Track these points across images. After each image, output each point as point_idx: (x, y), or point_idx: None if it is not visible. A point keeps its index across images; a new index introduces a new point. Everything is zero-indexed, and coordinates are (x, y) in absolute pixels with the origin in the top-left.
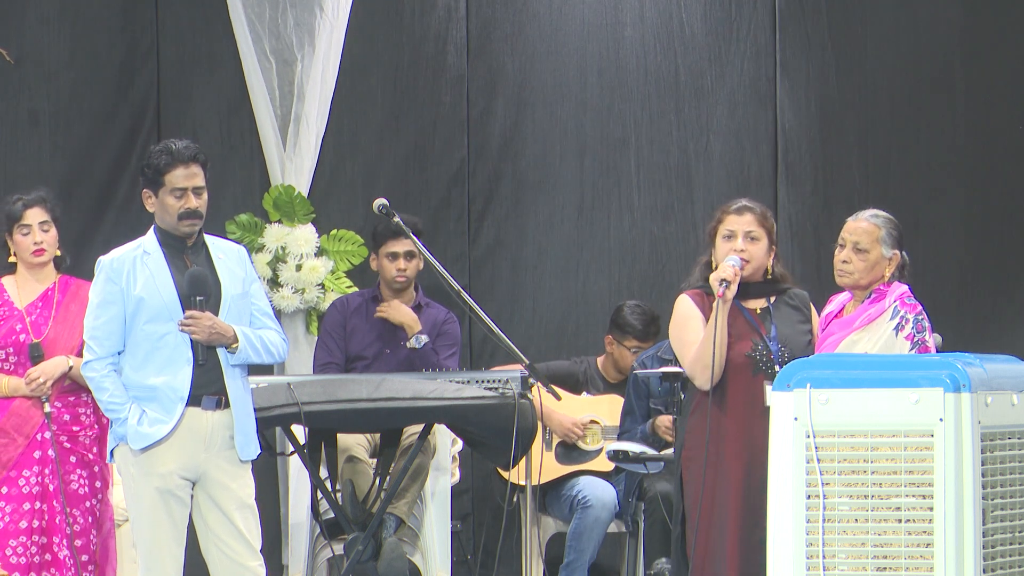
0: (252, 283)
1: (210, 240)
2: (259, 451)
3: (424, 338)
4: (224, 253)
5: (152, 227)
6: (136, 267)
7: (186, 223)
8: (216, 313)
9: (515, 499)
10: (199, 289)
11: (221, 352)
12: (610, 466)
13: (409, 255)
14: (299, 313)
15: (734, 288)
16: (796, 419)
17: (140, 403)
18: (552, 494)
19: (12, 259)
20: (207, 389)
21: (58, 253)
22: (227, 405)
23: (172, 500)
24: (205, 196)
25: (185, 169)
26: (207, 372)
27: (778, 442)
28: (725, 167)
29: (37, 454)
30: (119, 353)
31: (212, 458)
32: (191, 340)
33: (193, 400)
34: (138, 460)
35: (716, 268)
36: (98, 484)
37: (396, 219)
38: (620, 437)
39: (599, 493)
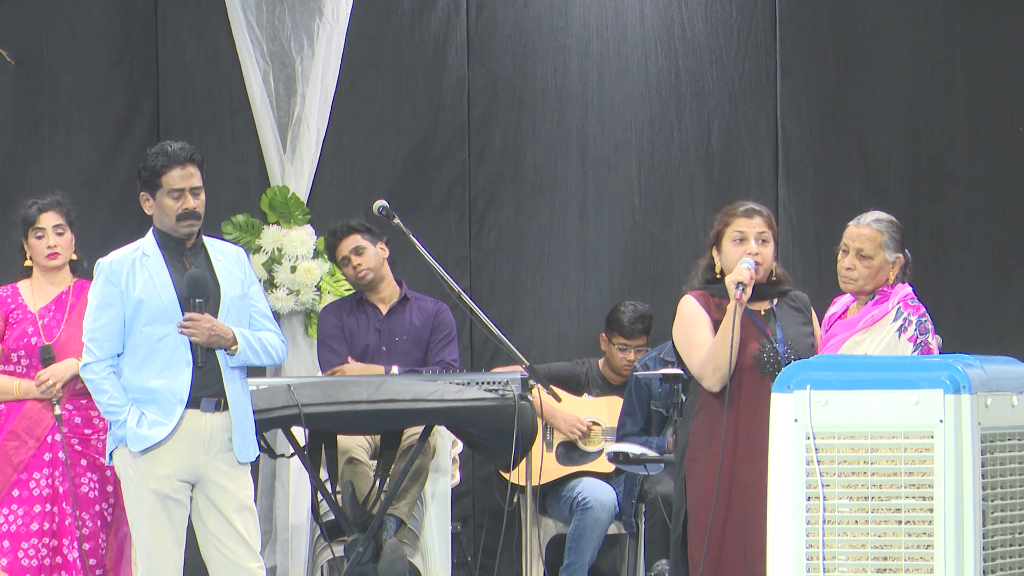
0: (251, 285)
1: (209, 242)
2: (258, 453)
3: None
4: (223, 255)
5: (151, 229)
6: (135, 269)
7: (185, 224)
8: (215, 315)
9: (515, 499)
10: (198, 291)
11: (220, 354)
12: (611, 468)
13: (356, 251)
14: (297, 315)
15: (749, 291)
16: (796, 420)
17: (139, 405)
18: (552, 495)
19: (28, 263)
20: (206, 391)
21: (74, 257)
22: (226, 407)
23: (170, 503)
24: (203, 196)
25: (182, 170)
26: (206, 374)
27: (778, 443)
28: (726, 168)
29: (47, 456)
30: (118, 355)
31: (211, 460)
32: (190, 342)
33: (192, 402)
34: (137, 462)
35: (720, 271)
36: (110, 488)
37: (396, 220)
38: (619, 438)
39: (599, 495)
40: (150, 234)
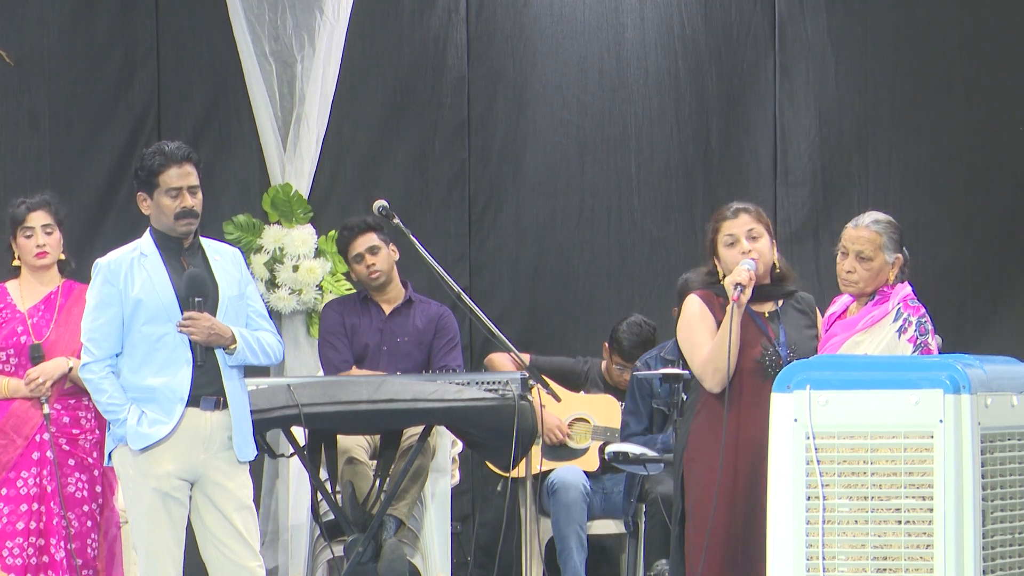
0: (248, 285)
1: (206, 242)
2: (256, 452)
3: None
4: (220, 255)
5: (148, 229)
6: (133, 269)
7: (183, 223)
8: (214, 314)
9: (502, 485)
10: (197, 290)
11: (219, 353)
12: (595, 465)
13: (372, 250)
14: (298, 315)
15: (749, 292)
16: (796, 420)
17: (139, 404)
18: (541, 489)
19: (16, 262)
20: (206, 390)
21: (62, 257)
22: (225, 406)
23: (170, 501)
24: (200, 195)
25: (179, 169)
26: (205, 373)
27: (778, 443)
28: (725, 168)
29: (36, 455)
30: (117, 355)
31: (210, 459)
32: (190, 341)
33: (192, 401)
34: (136, 461)
35: (723, 278)
36: (98, 488)
37: (395, 220)
38: (623, 438)
39: (563, 475)
40: (147, 234)
